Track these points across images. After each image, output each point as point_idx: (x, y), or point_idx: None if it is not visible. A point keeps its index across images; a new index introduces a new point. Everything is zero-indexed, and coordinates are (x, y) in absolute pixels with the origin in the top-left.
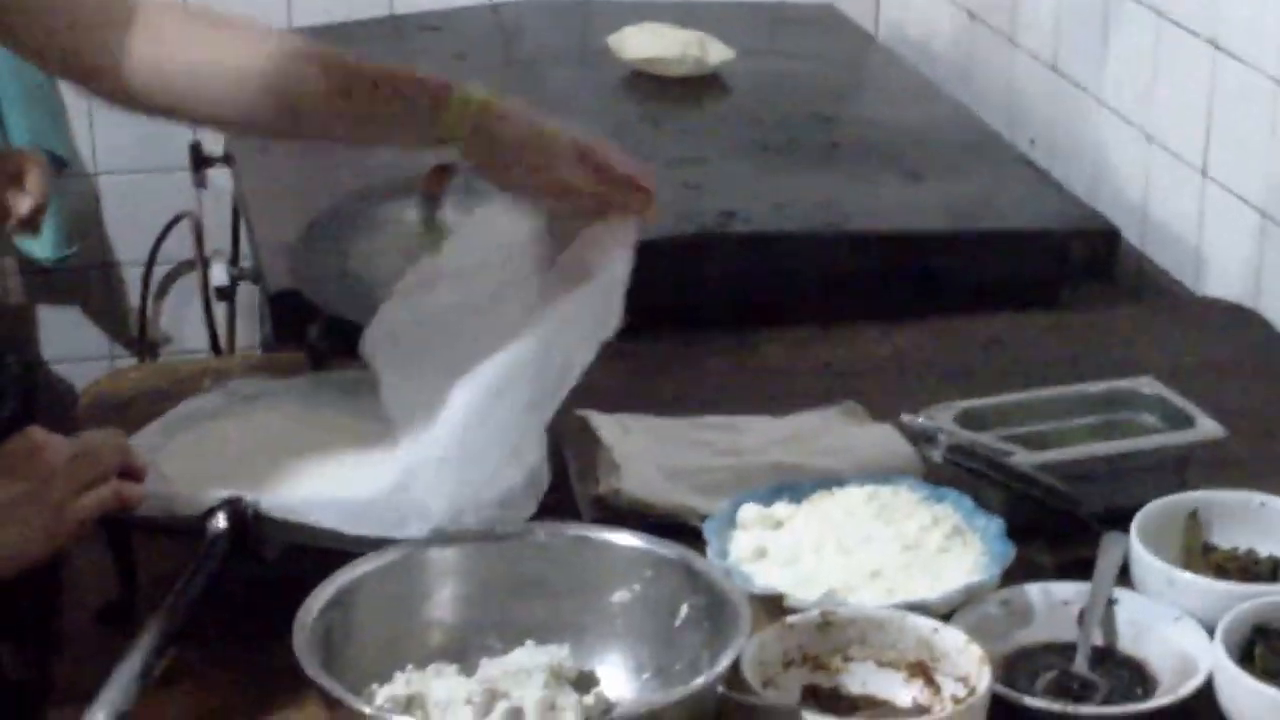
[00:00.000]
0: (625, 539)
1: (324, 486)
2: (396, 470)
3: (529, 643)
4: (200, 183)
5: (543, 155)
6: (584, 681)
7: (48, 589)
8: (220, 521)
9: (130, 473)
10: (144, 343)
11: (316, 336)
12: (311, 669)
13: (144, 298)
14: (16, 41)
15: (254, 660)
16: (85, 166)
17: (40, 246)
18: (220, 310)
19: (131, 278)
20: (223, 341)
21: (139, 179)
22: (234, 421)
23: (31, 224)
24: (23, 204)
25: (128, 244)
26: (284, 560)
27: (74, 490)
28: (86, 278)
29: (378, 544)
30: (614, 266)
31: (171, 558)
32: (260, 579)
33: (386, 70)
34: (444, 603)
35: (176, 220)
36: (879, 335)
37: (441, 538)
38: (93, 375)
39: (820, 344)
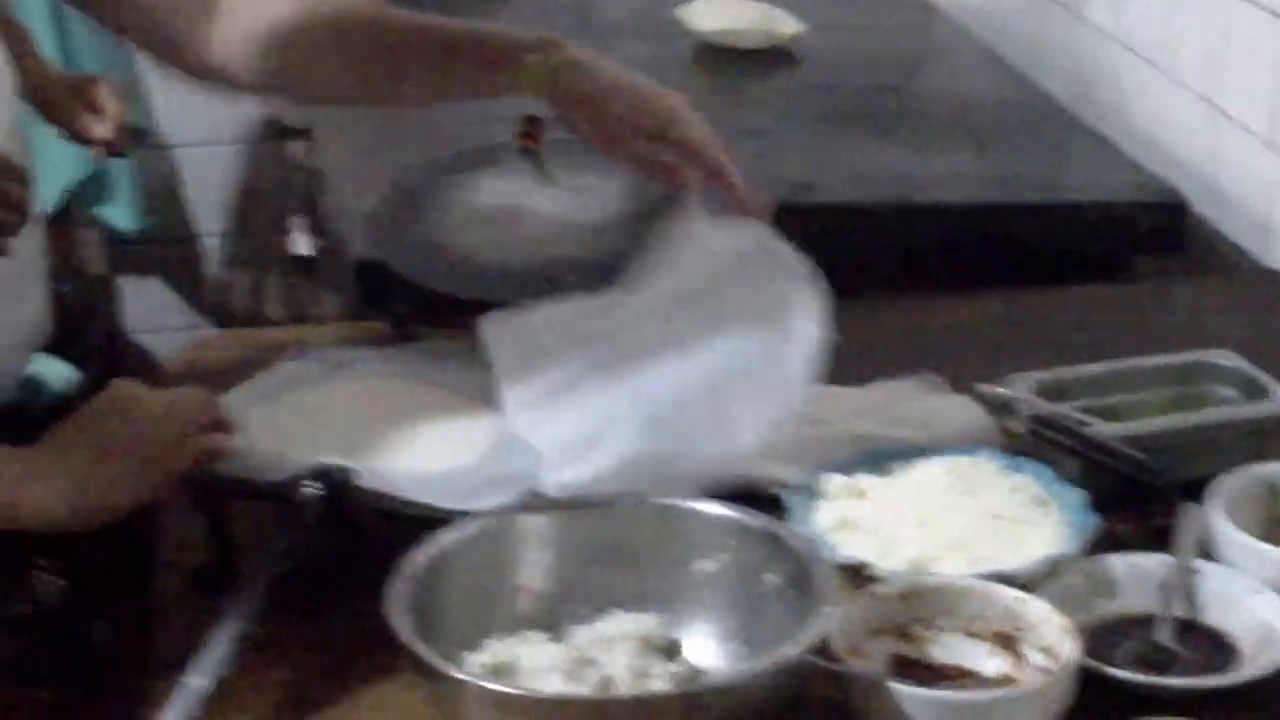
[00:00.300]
0: (712, 508)
1: (414, 455)
2: (490, 442)
3: (617, 611)
4: (279, 153)
5: (630, 106)
6: (670, 650)
7: (140, 556)
8: (313, 489)
9: (219, 428)
10: (224, 313)
11: (401, 306)
12: (405, 636)
13: (224, 268)
14: (100, 16)
15: (347, 627)
16: (164, 138)
17: (120, 217)
18: (300, 280)
19: (211, 248)
20: (302, 311)
21: (218, 150)
22: (320, 389)
23: (116, 146)
24: (97, 129)
25: (207, 215)
26: (376, 528)
27: (167, 442)
28: (167, 249)
29: (466, 514)
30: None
31: (263, 524)
32: (353, 546)
33: (459, 28)
34: (533, 571)
35: (256, 191)
36: (952, 307)
37: (531, 506)
38: (173, 346)
39: (895, 314)
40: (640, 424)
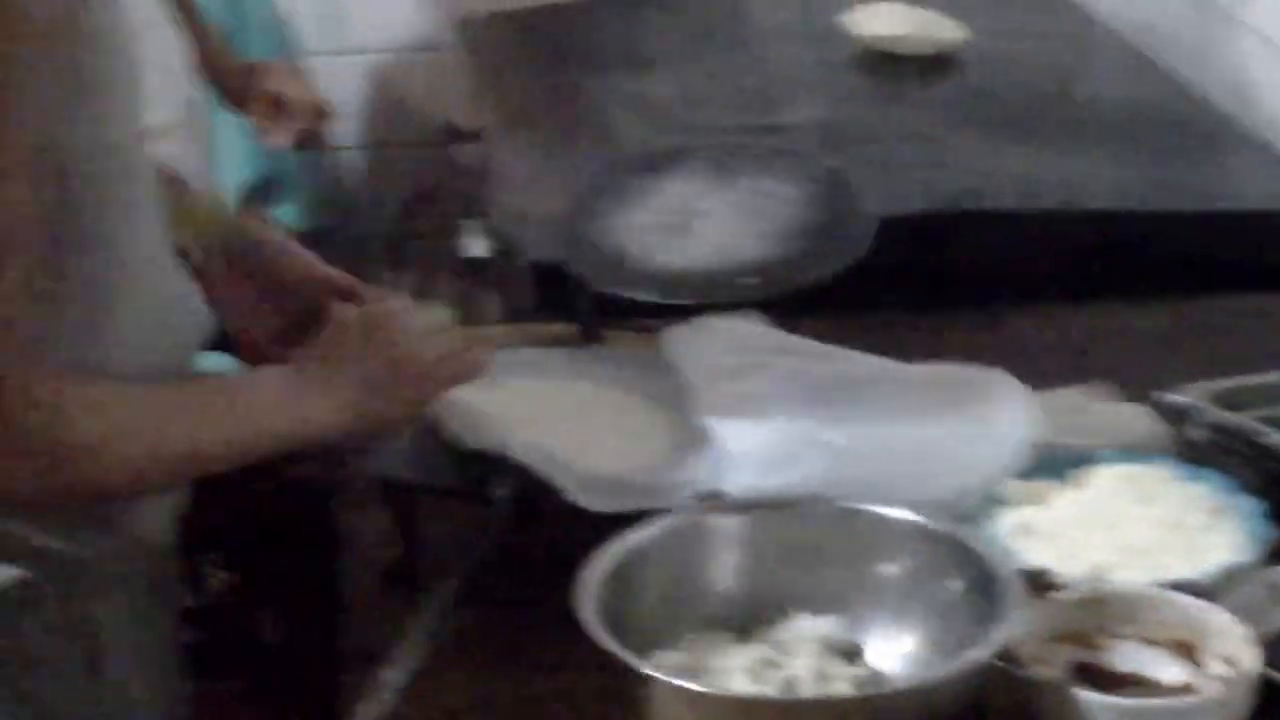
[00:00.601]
0: (897, 513)
1: (600, 455)
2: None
3: (802, 613)
4: (453, 158)
5: None
6: (853, 653)
7: (328, 551)
8: (506, 487)
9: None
10: None
11: (583, 309)
12: (595, 633)
13: (394, 270)
14: None
15: (536, 624)
16: (336, 142)
17: (291, 216)
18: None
19: (380, 250)
20: (471, 313)
21: (389, 152)
22: (509, 388)
23: (312, 138)
24: (282, 136)
25: (376, 216)
26: (567, 526)
27: (433, 359)
28: (335, 250)
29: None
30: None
31: (451, 519)
32: (543, 543)
33: None
34: (721, 571)
35: (426, 193)
36: (1120, 314)
37: (720, 506)
38: None
39: (1065, 321)
40: (837, 453)
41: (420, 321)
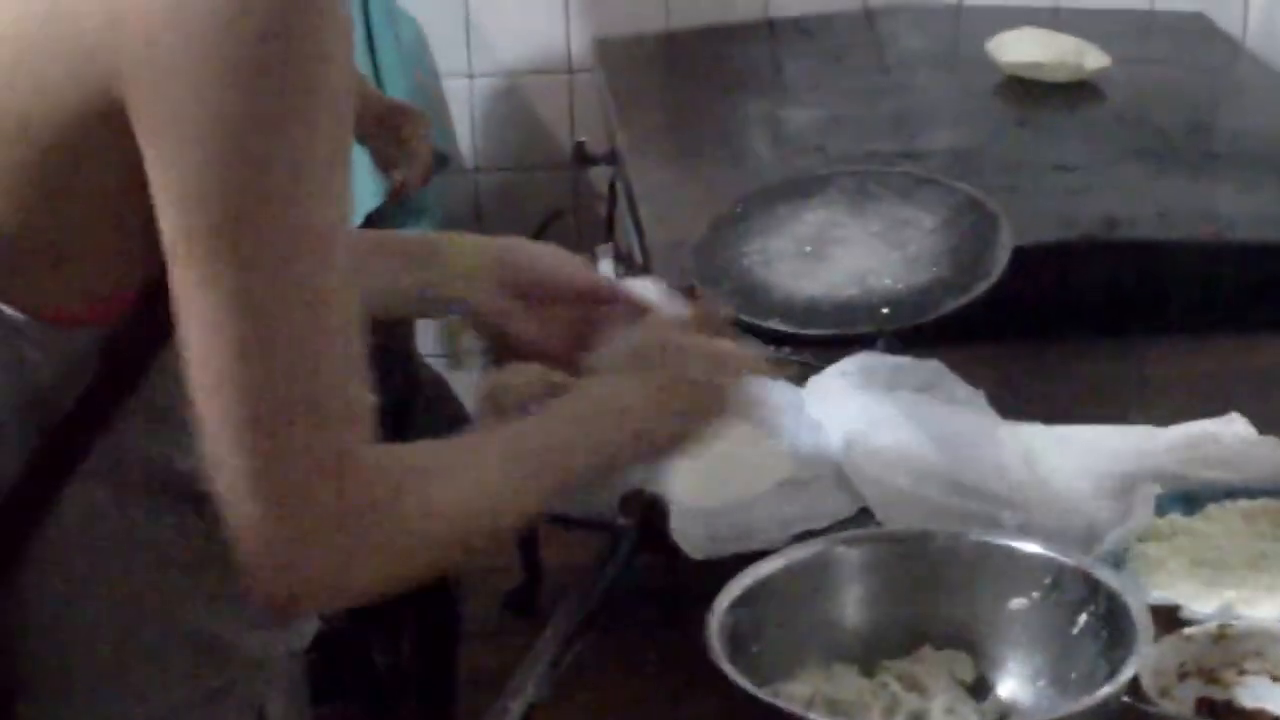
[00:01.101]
0: (1027, 546)
1: (723, 485)
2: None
3: (928, 646)
4: (582, 181)
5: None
6: (980, 687)
7: (449, 579)
8: (630, 515)
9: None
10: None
11: None
12: (722, 664)
13: None
14: None
15: (660, 655)
16: (465, 163)
17: None
18: None
19: None
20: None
21: (517, 176)
22: None
23: (413, 188)
24: (400, 171)
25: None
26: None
27: (727, 383)
28: None
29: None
30: None
31: (573, 546)
32: (668, 574)
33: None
34: (847, 603)
35: (553, 218)
36: (1260, 346)
37: (847, 539)
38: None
39: (1201, 353)
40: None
41: (716, 345)
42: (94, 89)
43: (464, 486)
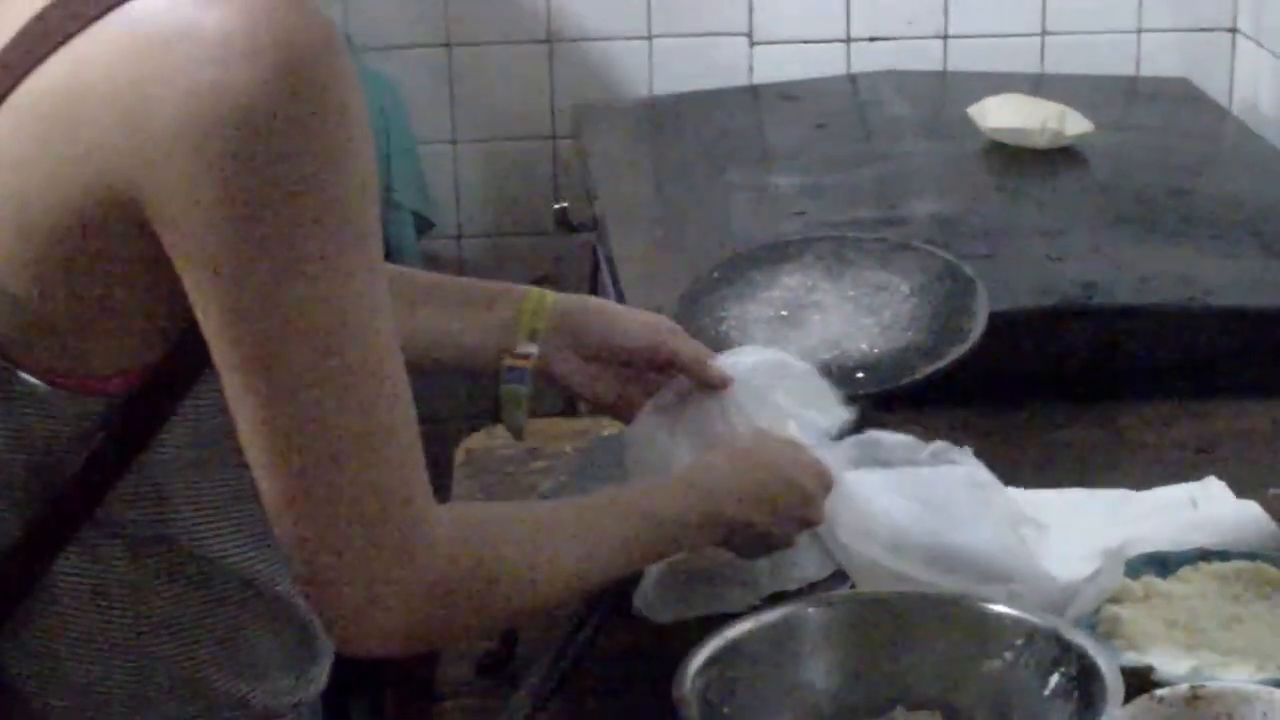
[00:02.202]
0: (998, 607)
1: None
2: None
3: (900, 708)
4: (565, 247)
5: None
6: None
7: None
8: None
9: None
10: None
11: None
12: None
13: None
14: None
15: (631, 717)
16: (448, 229)
17: None
18: None
19: None
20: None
21: (500, 242)
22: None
23: None
24: None
25: None
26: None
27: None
28: None
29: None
30: None
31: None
32: (639, 634)
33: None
34: (818, 665)
35: (537, 282)
36: (1240, 412)
37: (817, 600)
38: (451, 432)
39: (1181, 419)
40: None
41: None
42: (105, 187)
43: (530, 555)
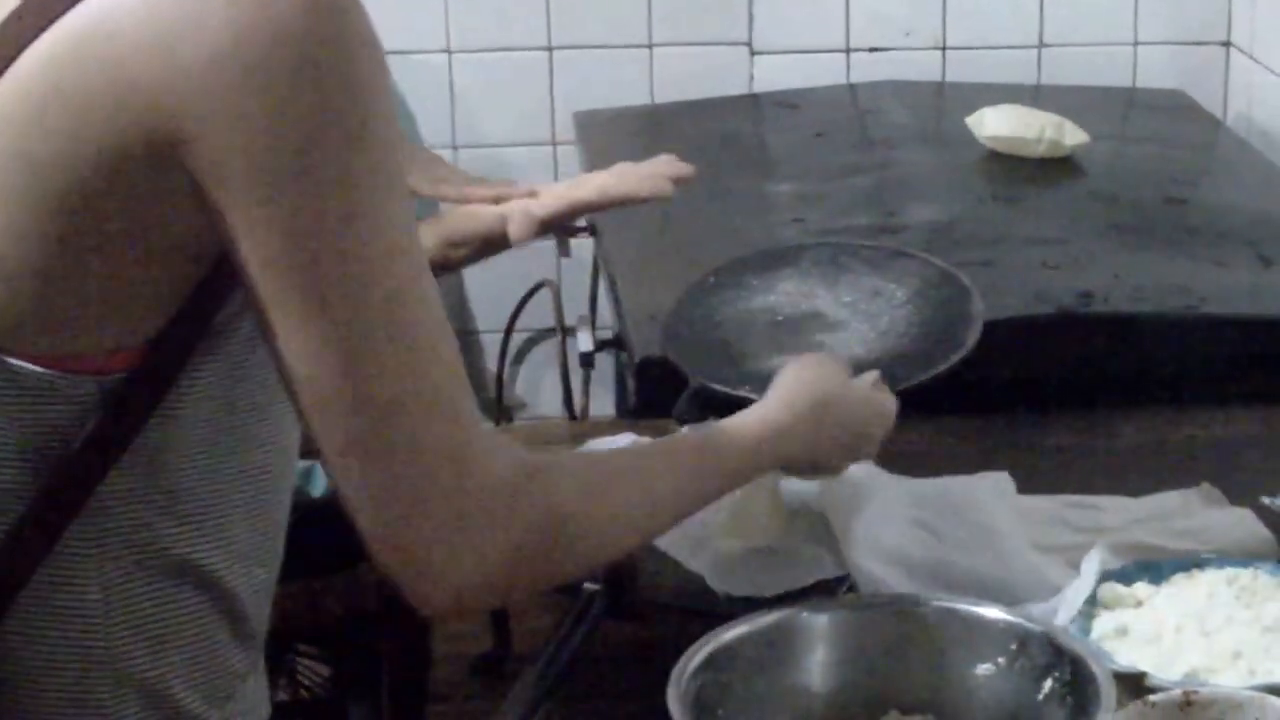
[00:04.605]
0: (992, 612)
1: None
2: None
3: (894, 712)
4: (564, 252)
5: None
6: None
7: (420, 642)
8: (597, 580)
9: None
10: (500, 407)
11: (685, 405)
12: None
13: (501, 363)
14: None
15: (626, 718)
16: None
17: None
18: (577, 377)
19: (489, 344)
20: (578, 408)
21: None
22: None
23: None
24: None
25: (487, 311)
26: (659, 620)
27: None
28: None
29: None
30: None
31: (542, 611)
32: (634, 637)
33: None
34: (812, 669)
35: (536, 289)
36: (1235, 419)
37: (813, 604)
38: None
39: (1176, 426)
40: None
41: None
42: (139, 130)
43: (595, 504)
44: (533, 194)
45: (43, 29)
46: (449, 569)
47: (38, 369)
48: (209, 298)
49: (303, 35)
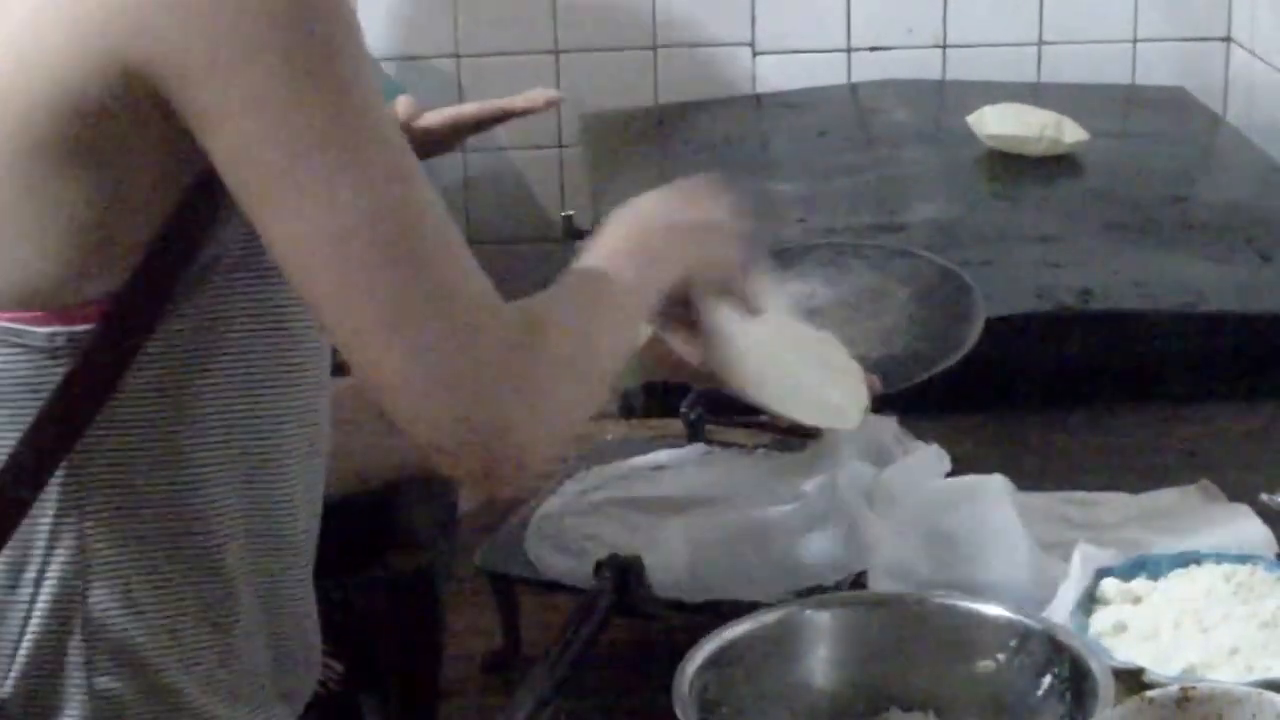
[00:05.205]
0: (992, 609)
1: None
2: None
3: (895, 708)
4: (573, 254)
5: None
6: None
7: (430, 640)
8: (604, 579)
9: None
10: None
11: (689, 407)
12: None
13: None
14: None
15: (630, 715)
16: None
17: None
18: None
19: None
20: None
21: (509, 249)
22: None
23: None
24: None
25: None
26: (666, 618)
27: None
28: None
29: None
30: None
31: (552, 610)
32: (640, 635)
33: None
34: (815, 665)
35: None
36: (1235, 415)
37: (816, 602)
38: None
39: (1176, 423)
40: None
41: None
42: (116, 70)
43: (584, 324)
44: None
45: None
46: (528, 423)
47: (5, 322)
48: (178, 250)
49: None
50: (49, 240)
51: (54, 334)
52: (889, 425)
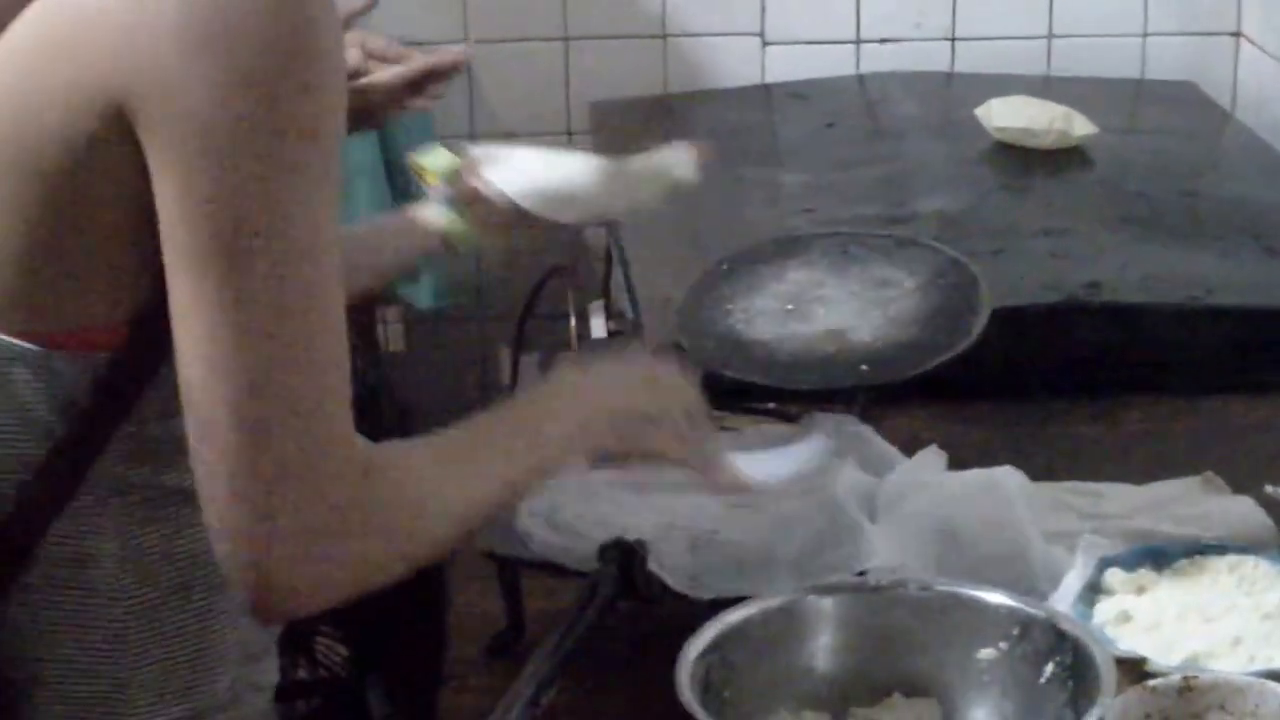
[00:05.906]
0: (996, 597)
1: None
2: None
3: (897, 694)
4: (581, 239)
5: None
6: None
7: (435, 623)
8: (609, 562)
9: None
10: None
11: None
12: (694, 709)
13: (516, 348)
14: None
15: (635, 700)
16: None
17: (421, 295)
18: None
19: (504, 329)
20: None
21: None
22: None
23: None
24: None
25: (502, 296)
26: (669, 603)
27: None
28: (460, 328)
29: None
30: None
31: (557, 594)
32: (644, 619)
33: None
34: (818, 651)
35: (551, 274)
36: (1241, 409)
37: (819, 588)
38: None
39: (1182, 415)
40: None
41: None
42: (102, 105)
43: (429, 483)
44: None
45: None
46: (281, 557)
47: (31, 346)
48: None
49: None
50: (66, 269)
51: (78, 359)
52: (849, 420)
